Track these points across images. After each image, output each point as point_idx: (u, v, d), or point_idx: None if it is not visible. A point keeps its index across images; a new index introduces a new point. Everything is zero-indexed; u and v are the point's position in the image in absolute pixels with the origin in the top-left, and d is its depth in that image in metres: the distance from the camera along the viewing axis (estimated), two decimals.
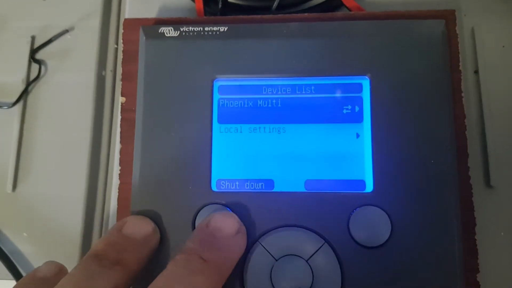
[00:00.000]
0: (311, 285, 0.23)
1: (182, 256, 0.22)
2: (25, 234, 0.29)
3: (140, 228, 0.24)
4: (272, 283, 0.23)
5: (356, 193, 0.24)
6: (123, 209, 0.26)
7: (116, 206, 0.27)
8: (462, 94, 0.27)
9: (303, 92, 0.26)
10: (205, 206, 0.25)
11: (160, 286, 0.20)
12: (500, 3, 0.31)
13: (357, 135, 0.25)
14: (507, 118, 0.29)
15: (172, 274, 0.21)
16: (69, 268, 0.25)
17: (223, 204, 0.25)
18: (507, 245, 0.27)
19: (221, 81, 0.26)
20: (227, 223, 0.23)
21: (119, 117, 0.28)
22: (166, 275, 0.21)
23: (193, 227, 0.25)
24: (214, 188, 0.25)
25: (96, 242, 0.26)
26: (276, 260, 0.24)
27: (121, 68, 0.28)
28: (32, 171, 0.30)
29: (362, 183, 0.25)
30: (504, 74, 0.29)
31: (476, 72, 0.30)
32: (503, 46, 0.30)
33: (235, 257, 0.23)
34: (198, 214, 0.25)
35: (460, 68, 0.27)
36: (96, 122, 0.30)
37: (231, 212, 0.24)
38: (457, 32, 0.27)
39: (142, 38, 0.27)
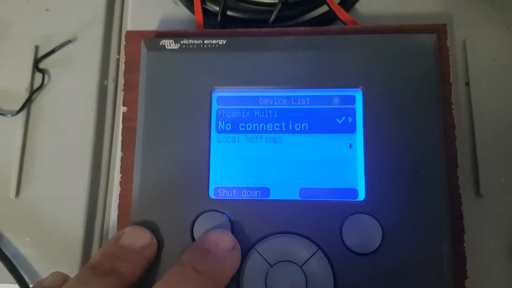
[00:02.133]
0: None
1: (177, 267, 0.22)
2: (27, 238, 0.30)
3: (138, 238, 0.24)
4: None
5: (349, 201, 0.25)
6: (124, 215, 0.27)
7: (117, 212, 0.28)
8: (453, 106, 0.27)
9: (298, 103, 0.27)
10: (203, 213, 0.26)
11: None
12: (491, 17, 0.32)
13: (350, 145, 0.26)
14: (497, 129, 0.30)
15: (165, 283, 0.22)
16: (72, 272, 0.26)
17: (220, 212, 0.26)
18: (495, 252, 0.28)
19: (220, 92, 0.27)
20: (222, 239, 0.24)
21: (120, 126, 0.29)
22: (160, 285, 0.21)
23: (191, 234, 0.25)
24: (212, 196, 0.26)
25: (94, 253, 0.26)
26: (271, 266, 0.24)
27: (122, 78, 0.29)
28: (35, 177, 0.31)
29: (354, 191, 0.26)
30: (494, 86, 0.30)
31: (467, 84, 0.31)
32: (494, 59, 0.31)
33: (228, 272, 0.23)
34: (196, 221, 0.25)
35: (451, 80, 0.28)
36: (97, 130, 0.31)
37: (227, 230, 0.25)
38: (448, 46, 0.28)
39: (143, 50, 0.27)
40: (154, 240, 0.25)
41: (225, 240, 0.24)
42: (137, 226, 0.25)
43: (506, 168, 0.29)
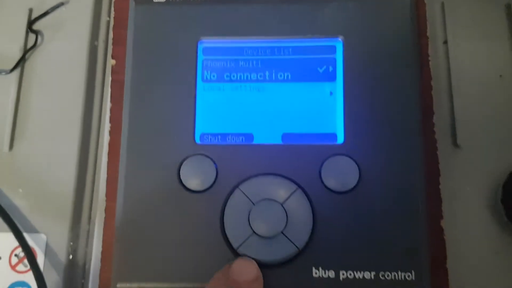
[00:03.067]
0: (286, 225, 0.25)
1: None
2: (20, 190, 0.31)
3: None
4: (250, 225, 0.25)
5: (328, 145, 0.26)
6: (113, 162, 0.28)
7: (106, 161, 0.29)
8: (429, 58, 0.29)
9: (281, 53, 0.28)
10: (189, 157, 0.27)
11: None
12: None
13: (331, 93, 0.27)
14: (473, 84, 0.31)
15: None
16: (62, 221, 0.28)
17: (206, 155, 0.27)
18: (471, 198, 0.29)
19: (205, 43, 0.28)
20: (246, 269, 0.24)
21: (110, 83, 0.30)
22: None
23: (178, 176, 0.26)
24: (198, 141, 0.27)
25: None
26: (254, 204, 0.26)
27: (112, 38, 0.30)
28: (28, 132, 0.32)
29: (334, 135, 0.27)
30: (470, 43, 0.32)
31: (445, 42, 0.32)
32: (471, 19, 0.32)
33: None
34: (183, 164, 0.27)
35: (428, 34, 0.29)
36: (88, 86, 0.32)
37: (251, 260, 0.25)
38: (426, 2, 0.29)
39: (132, 4, 0.29)
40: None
41: (250, 270, 0.25)
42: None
43: (482, 120, 0.30)
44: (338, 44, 0.28)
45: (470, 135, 0.30)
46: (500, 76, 0.31)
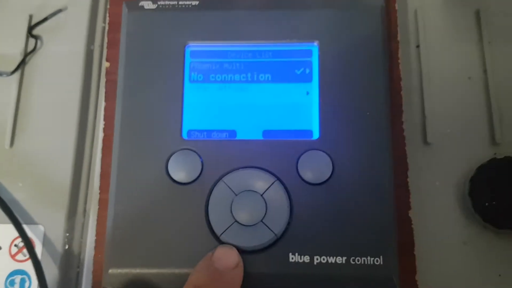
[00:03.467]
0: (265, 214, 0.27)
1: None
2: (20, 184, 0.33)
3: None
4: (232, 214, 0.27)
5: (305, 140, 0.29)
6: (107, 157, 0.30)
7: (100, 156, 0.31)
8: (399, 61, 0.31)
9: (262, 57, 0.30)
10: (177, 151, 0.29)
11: None
12: None
13: (307, 93, 0.30)
14: (443, 85, 0.33)
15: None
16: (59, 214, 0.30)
17: (192, 150, 0.29)
18: (442, 191, 0.31)
19: (193, 47, 0.30)
20: (227, 256, 0.26)
21: (104, 84, 0.32)
22: None
23: (166, 169, 0.29)
24: (185, 137, 0.29)
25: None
26: (236, 195, 0.28)
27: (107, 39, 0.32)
28: (28, 130, 0.34)
29: (310, 132, 0.29)
30: (441, 47, 0.34)
31: (418, 46, 0.34)
32: (442, 25, 0.34)
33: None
34: (171, 158, 0.29)
35: (399, 39, 0.31)
36: (84, 87, 0.34)
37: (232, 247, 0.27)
38: (396, 8, 0.32)
39: (125, 10, 0.31)
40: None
41: (231, 258, 0.26)
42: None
43: (451, 119, 0.33)
44: (314, 48, 0.30)
45: (439, 133, 0.32)
46: (469, 78, 0.33)
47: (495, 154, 0.31)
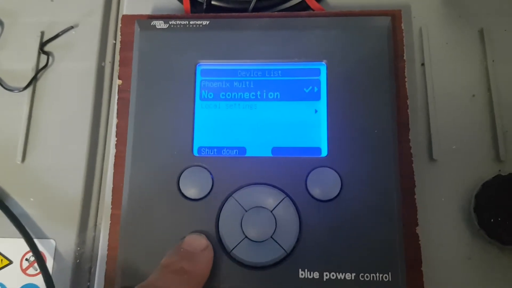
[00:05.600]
0: (274, 230, 0.28)
1: (156, 272, 0.26)
2: (31, 199, 0.33)
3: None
4: (242, 230, 0.28)
5: (313, 158, 0.29)
6: (118, 173, 0.31)
7: (112, 172, 0.31)
8: (406, 79, 0.32)
9: (272, 75, 0.31)
10: (188, 168, 0.29)
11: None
12: (443, 8, 0.36)
13: (316, 111, 0.30)
14: (448, 102, 0.34)
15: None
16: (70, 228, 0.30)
17: (203, 167, 0.29)
18: (447, 207, 0.32)
19: (203, 66, 0.31)
20: (197, 241, 0.28)
21: (116, 101, 0.33)
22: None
23: (178, 185, 0.29)
24: (196, 154, 0.30)
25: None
26: (246, 211, 0.28)
27: (118, 60, 0.33)
28: (39, 145, 0.34)
29: (318, 149, 0.30)
30: (446, 65, 0.35)
31: (423, 64, 0.35)
32: (446, 43, 0.35)
33: (204, 270, 0.27)
34: (182, 174, 0.29)
35: (405, 57, 0.32)
36: (95, 105, 0.35)
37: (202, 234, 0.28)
38: (403, 28, 0.32)
39: (137, 29, 0.32)
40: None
41: (199, 241, 0.28)
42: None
43: (456, 136, 0.33)
44: (322, 67, 0.31)
45: (445, 149, 0.33)
46: (473, 95, 0.34)
47: (499, 171, 0.32)
